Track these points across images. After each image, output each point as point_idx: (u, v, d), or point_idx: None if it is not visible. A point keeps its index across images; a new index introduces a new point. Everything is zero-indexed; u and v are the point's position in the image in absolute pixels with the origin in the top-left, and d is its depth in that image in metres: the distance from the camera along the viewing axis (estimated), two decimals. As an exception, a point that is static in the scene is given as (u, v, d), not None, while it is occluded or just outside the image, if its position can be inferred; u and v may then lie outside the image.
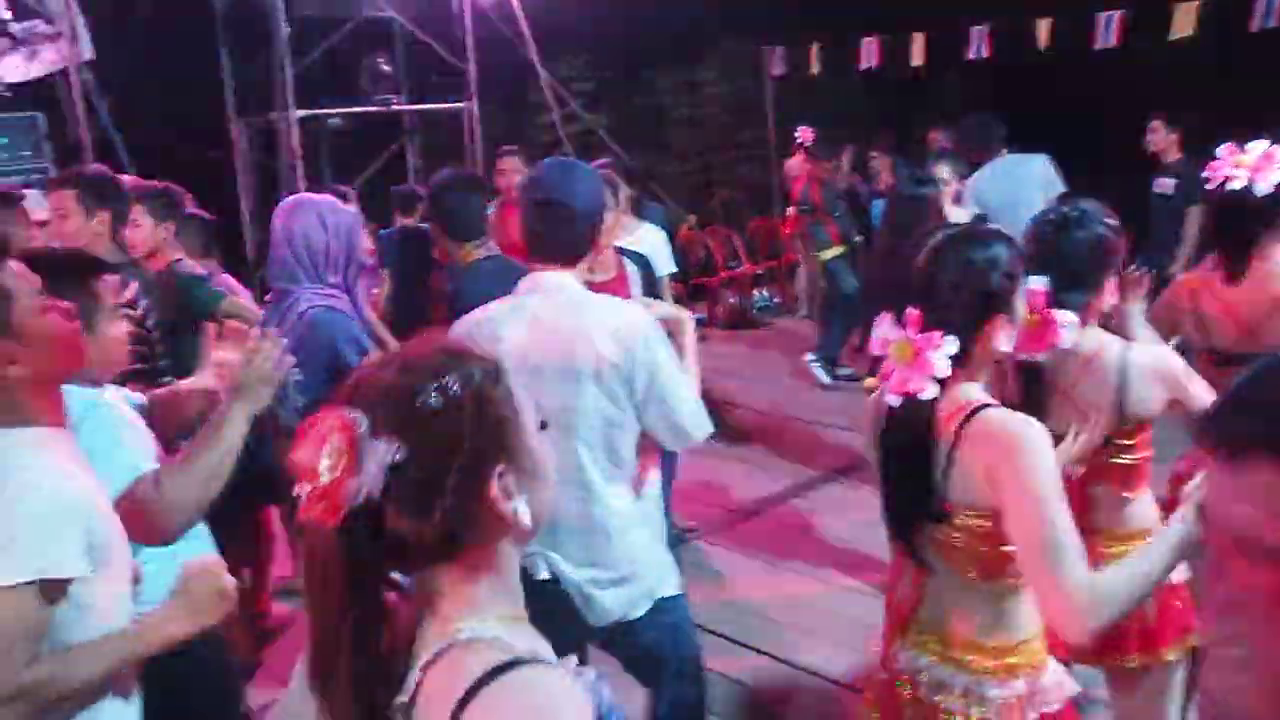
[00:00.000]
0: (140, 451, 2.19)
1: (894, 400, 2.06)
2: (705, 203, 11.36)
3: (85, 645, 1.72)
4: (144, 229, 3.95)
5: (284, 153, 8.21)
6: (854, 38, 9.59)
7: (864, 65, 9.59)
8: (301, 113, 8.16)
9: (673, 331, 2.65)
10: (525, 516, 1.18)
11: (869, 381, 3.52)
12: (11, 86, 7.69)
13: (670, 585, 2.68)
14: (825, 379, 7.78)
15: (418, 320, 5.03)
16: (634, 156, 8.66)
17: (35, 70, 7.68)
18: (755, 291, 10.39)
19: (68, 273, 2.12)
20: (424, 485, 1.13)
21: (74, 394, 1.99)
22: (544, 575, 2.52)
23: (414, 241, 6.27)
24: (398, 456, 1.11)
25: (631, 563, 2.56)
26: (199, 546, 2.26)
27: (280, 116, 8.15)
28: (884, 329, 2.08)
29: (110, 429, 2.13)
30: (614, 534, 2.53)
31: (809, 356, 7.94)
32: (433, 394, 1.15)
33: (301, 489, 1.11)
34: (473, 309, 3.42)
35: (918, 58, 9.31)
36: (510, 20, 8.95)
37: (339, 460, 1.10)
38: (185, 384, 2.54)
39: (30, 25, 7.35)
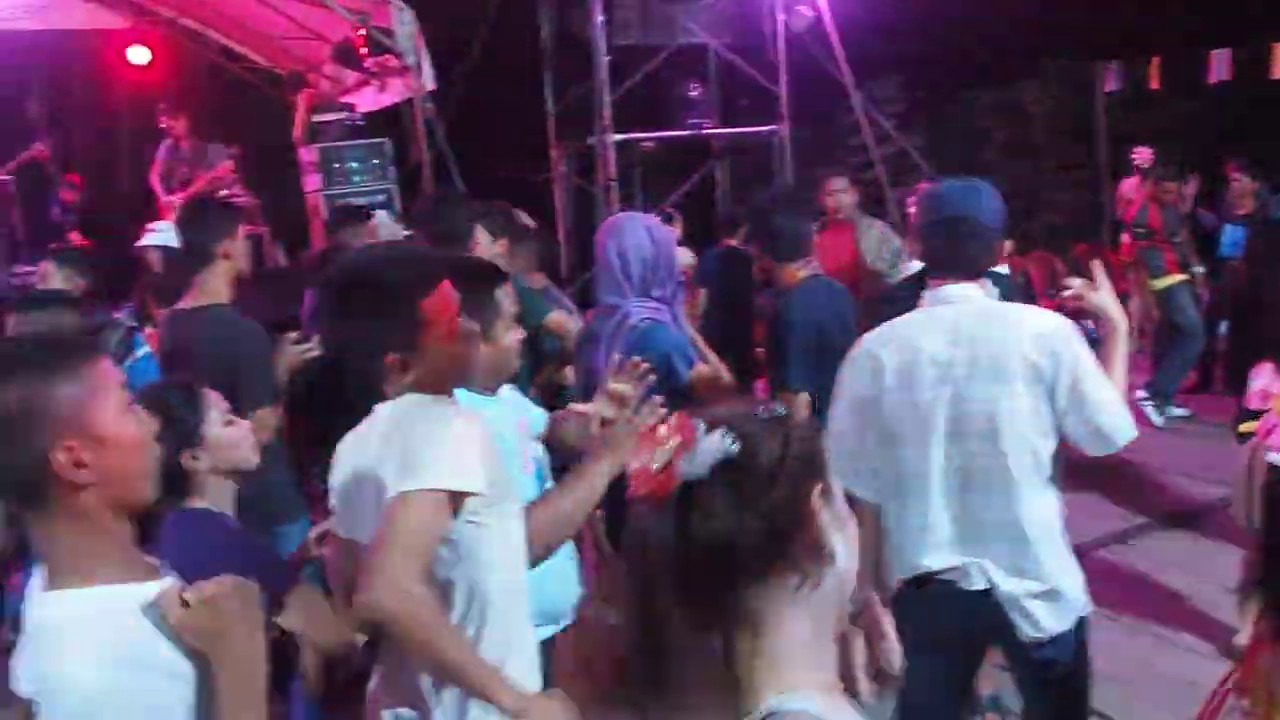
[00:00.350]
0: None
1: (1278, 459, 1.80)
2: (1024, 226, 10.77)
3: (465, 641, 1.85)
4: (480, 245, 4.14)
5: (600, 175, 8.49)
6: (1202, 49, 8.81)
7: (1214, 79, 8.78)
8: (618, 137, 8.42)
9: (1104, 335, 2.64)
10: (841, 554, 1.22)
11: (1244, 426, 3.21)
12: (364, 115, 8.43)
13: (1085, 603, 2.59)
14: (1158, 420, 7.12)
15: (734, 338, 5.03)
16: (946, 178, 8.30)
17: (385, 100, 8.38)
18: (1080, 322, 9.68)
19: (474, 281, 2.23)
20: (753, 481, 1.18)
21: (464, 398, 2.12)
22: (979, 586, 2.49)
23: (734, 262, 6.31)
24: (729, 449, 1.17)
25: (1058, 574, 2.52)
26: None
27: (598, 141, 8.44)
28: (1264, 379, 1.82)
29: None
30: (1039, 542, 2.50)
31: (1140, 394, 7.29)
32: (762, 413, 1.23)
33: (637, 472, 1.18)
34: (796, 329, 3.41)
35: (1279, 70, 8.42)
36: (824, 42, 8.86)
37: (674, 447, 1.17)
38: (582, 407, 2.62)
39: (382, 60, 8.01)
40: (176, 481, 2.36)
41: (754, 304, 6.42)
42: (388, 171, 8.05)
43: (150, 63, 9.23)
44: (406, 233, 5.18)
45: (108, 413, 1.38)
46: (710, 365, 3.18)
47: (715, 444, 1.18)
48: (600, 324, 3.18)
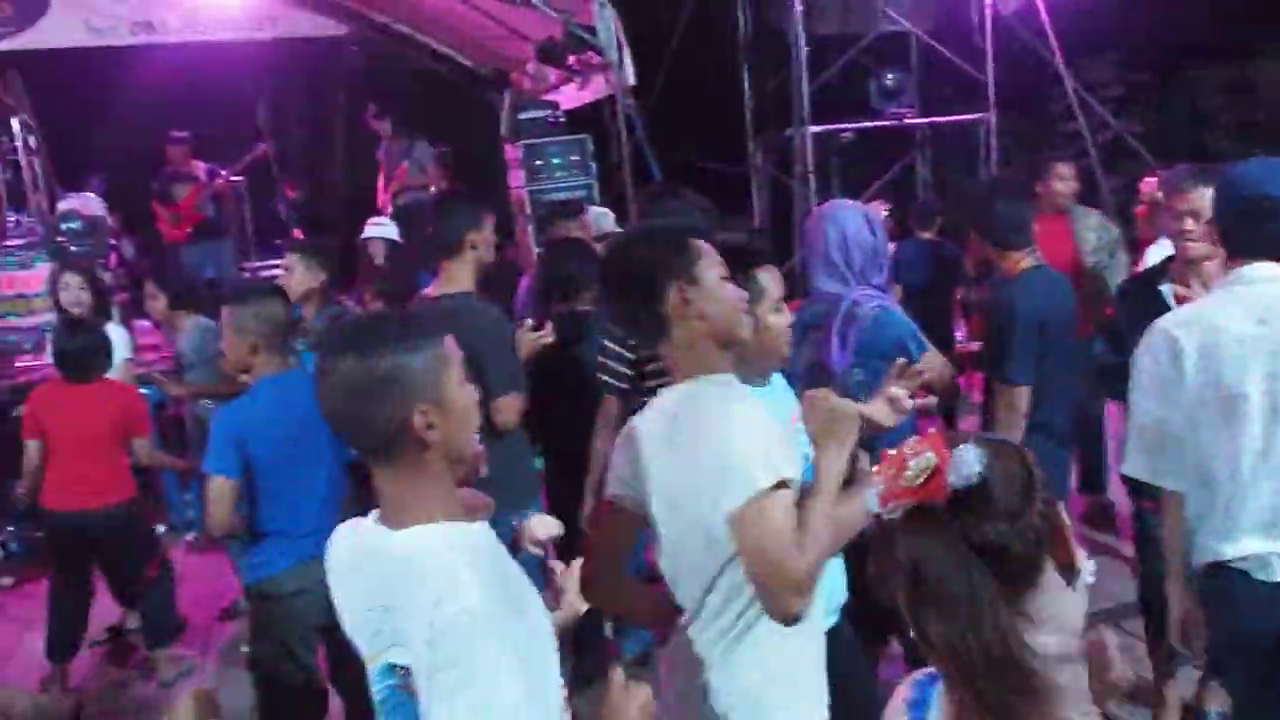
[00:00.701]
0: None
1: None
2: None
3: (810, 522, 1.89)
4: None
5: (798, 167, 8.41)
6: None
7: None
8: (815, 128, 8.32)
9: None
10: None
11: None
12: (565, 112, 8.60)
13: None
14: None
15: (933, 334, 4.91)
16: (1171, 166, 7.82)
17: (586, 97, 8.52)
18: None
19: (737, 260, 2.23)
20: (1009, 494, 1.31)
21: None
22: (1277, 577, 2.39)
23: (933, 255, 6.16)
24: (984, 464, 1.30)
25: None
26: None
27: (795, 132, 8.36)
28: None
29: None
30: None
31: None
32: (987, 435, 1.43)
33: (888, 490, 1.32)
34: (1019, 321, 3.29)
35: None
36: (1033, 23, 8.49)
37: (932, 461, 1.30)
38: (862, 409, 2.60)
39: (584, 57, 8.14)
40: None
41: (954, 299, 6.25)
42: (589, 167, 8.20)
43: (365, 67, 9.71)
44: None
45: (453, 383, 1.56)
46: (936, 353, 3.14)
47: (974, 455, 1.29)
48: (821, 312, 3.14)
